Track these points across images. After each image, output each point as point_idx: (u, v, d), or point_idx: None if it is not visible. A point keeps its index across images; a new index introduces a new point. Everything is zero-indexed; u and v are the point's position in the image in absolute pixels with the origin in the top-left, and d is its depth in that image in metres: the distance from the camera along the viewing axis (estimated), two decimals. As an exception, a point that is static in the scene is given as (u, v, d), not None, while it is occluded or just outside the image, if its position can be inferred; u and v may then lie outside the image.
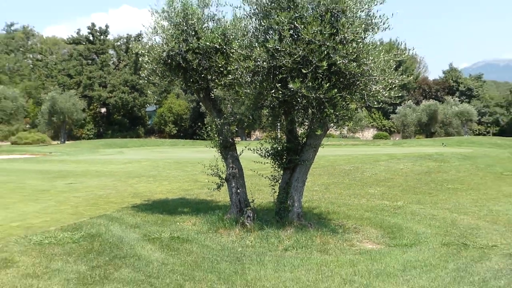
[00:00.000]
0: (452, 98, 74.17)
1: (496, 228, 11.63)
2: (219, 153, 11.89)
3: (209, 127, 11.76)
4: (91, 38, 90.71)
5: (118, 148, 49.75)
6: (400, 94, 10.64)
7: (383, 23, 10.08)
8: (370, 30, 10.12)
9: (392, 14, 10.11)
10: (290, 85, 9.51)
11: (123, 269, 8.41)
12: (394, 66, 10.10)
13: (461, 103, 71.18)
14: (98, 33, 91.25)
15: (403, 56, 10.77)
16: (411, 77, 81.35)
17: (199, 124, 13.97)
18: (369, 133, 79.52)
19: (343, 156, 26.36)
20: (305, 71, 9.48)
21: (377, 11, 10.05)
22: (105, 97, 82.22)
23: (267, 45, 9.67)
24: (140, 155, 33.48)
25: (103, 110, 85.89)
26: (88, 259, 8.94)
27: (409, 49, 18.34)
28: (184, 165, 22.68)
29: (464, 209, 13.55)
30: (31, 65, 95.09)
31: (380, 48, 10.08)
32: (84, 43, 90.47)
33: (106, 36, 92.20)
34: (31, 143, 62.21)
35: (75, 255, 9.17)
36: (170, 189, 16.00)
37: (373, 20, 10.04)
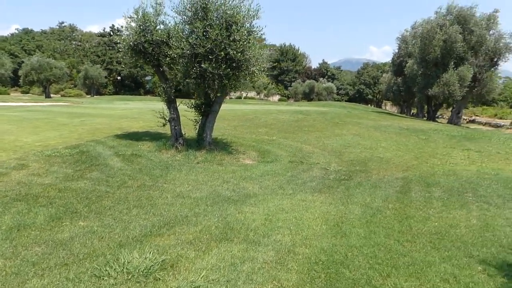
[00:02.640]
0: (323, 79, 74.43)
1: (323, 153, 11.68)
2: (165, 105, 11.42)
3: (160, 89, 11.23)
4: (111, 33, 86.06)
5: (126, 101, 47.45)
6: (267, 73, 10.37)
7: (260, 31, 9.79)
8: (253, 34, 9.77)
9: (265, 26, 9.84)
10: (203, 65, 9.14)
11: (94, 172, 8.01)
12: (265, 57, 9.76)
13: (327, 82, 71.59)
14: (116, 30, 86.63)
15: (271, 51, 10.48)
16: (293, 64, 79.60)
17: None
18: (276, 98, 79.12)
19: (252, 110, 25.68)
20: (211, 57, 9.11)
21: (256, 24, 9.75)
22: (119, 69, 78.41)
23: (189, 40, 9.22)
24: (135, 105, 32.00)
25: (119, 77, 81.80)
26: (75, 165, 8.45)
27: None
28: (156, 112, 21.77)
29: (309, 142, 13.56)
30: (74, 48, 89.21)
31: (257, 46, 9.73)
32: (107, 36, 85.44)
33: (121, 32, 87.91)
34: (73, 96, 59.05)
35: (68, 163, 8.64)
36: (142, 125, 15.26)
37: (253, 29, 9.68)
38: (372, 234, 5.10)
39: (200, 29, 9.10)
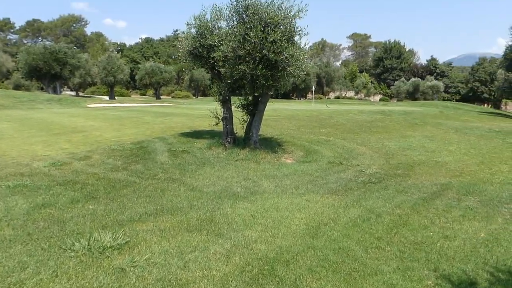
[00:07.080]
0: (430, 76, 68.88)
1: (372, 155, 11.10)
2: (220, 105, 12.03)
3: (213, 90, 11.89)
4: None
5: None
6: (305, 72, 10.28)
7: (302, 31, 9.85)
8: (296, 34, 9.88)
9: (308, 25, 9.84)
10: (241, 67, 9.54)
11: (138, 165, 8.91)
12: (303, 57, 9.74)
13: (434, 80, 65.96)
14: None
15: (310, 51, 10.39)
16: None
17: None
18: (377, 97, 75.65)
19: (332, 110, 25.18)
20: (248, 59, 9.46)
21: (296, 25, 9.79)
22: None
23: (231, 44, 9.69)
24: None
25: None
26: (127, 159, 9.44)
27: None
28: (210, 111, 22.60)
29: (367, 143, 12.94)
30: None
31: (296, 46, 9.77)
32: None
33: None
34: (181, 97, 64.41)
35: (123, 156, 9.69)
36: (212, 124, 16.10)
37: (295, 29, 9.76)
38: (345, 238, 4.93)
39: (241, 32, 9.52)
